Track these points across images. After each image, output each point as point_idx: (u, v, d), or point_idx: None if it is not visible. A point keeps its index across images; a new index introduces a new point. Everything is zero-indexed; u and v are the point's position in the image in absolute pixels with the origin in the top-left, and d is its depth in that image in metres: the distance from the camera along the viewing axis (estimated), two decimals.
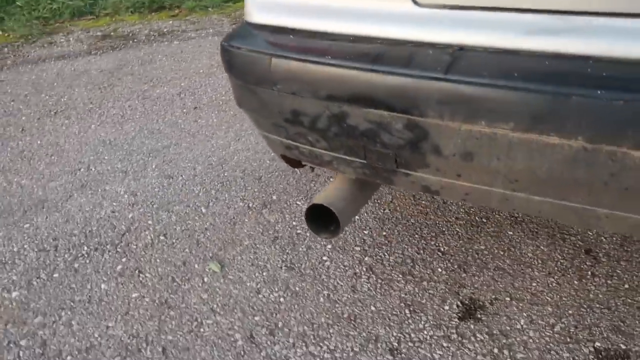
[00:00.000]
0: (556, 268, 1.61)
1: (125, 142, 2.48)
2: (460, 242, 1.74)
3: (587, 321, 1.40)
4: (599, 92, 0.79)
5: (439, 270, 1.62)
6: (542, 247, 1.69)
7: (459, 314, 1.46)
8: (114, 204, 1.98)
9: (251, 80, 1.16)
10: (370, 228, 1.81)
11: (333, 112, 1.07)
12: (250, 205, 1.95)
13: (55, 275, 1.63)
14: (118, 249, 1.73)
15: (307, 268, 1.64)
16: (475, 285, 1.56)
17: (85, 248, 1.74)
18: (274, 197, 1.99)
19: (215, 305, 1.50)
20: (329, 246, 1.73)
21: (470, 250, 1.70)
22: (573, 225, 1.02)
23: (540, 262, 1.64)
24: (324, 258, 1.68)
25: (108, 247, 1.75)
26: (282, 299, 1.52)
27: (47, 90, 3.25)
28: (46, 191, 2.08)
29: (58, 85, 3.33)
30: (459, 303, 1.50)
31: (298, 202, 1.95)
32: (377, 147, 1.08)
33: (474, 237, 1.75)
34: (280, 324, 1.44)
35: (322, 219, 1.32)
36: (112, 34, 4.61)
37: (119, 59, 3.85)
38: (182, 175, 2.17)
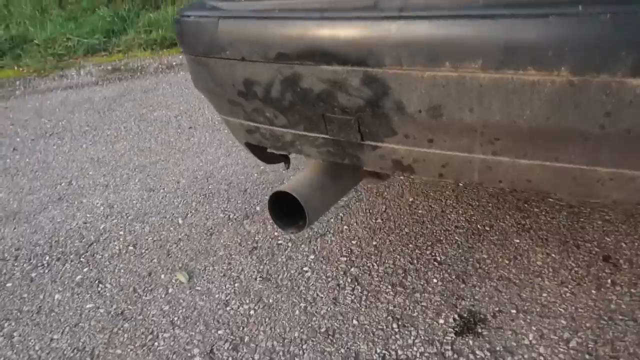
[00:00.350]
0: (570, 277, 1.39)
1: (113, 159, 2.40)
2: (460, 251, 1.54)
3: (608, 335, 1.17)
4: (580, 7, 0.64)
5: (434, 280, 1.42)
6: (553, 255, 1.48)
7: (456, 329, 1.25)
8: (88, 215, 1.86)
9: (201, 49, 1.05)
10: (359, 238, 1.63)
11: (285, 75, 0.93)
12: (231, 216, 1.81)
13: (9, 284, 1.49)
14: (81, 259, 1.59)
15: (285, 279, 1.46)
16: (476, 297, 1.35)
17: (47, 258, 1.61)
18: (258, 209, 1.84)
19: (176, 318, 1.33)
20: (312, 256, 1.55)
21: (471, 259, 1.50)
22: (574, 197, 0.84)
23: (551, 270, 1.42)
24: (305, 269, 1.50)
25: (71, 257, 1.61)
26: (252, 312, 1.34)
27: (48, 115, 3.25)
28: (22, 204, 1.99)
29: (59, 111, 3.33)
30: (456, 316, 1.29)
31: None
32: (337, 113, 0.93)
33: (475, 246, 1.55)
34: (246, 339, 1.25)
35: (289, 212, 1.16)
36: (121, 67, 4.69)
37: (123, 88, 3.87)
38: (164, 189, 2.05)
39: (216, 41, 1.00)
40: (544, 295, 1.34)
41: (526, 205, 1.75)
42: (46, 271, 1.54)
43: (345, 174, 1.21)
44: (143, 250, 1.63)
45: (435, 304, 1.33)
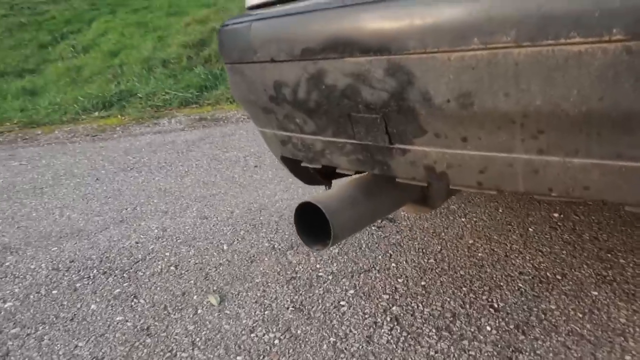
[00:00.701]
0: None
1: (177, 190, 2.49)
2: (522, 299, 1.33)
3: None
4: None
5: (488, 328, 1.22)
6: None
7: None
8: (142, 236, 1.91)
9: (237, 55, 1.05)
10: (406, 276, 1.48)
11: (310, 72, 0.89)
12: (276, 246, 1.74)
13: (54, 292, 1.53)
14: (124, 275, 1.61)
15: (318, 311, 1.34)
16: (537, 352, 1.13)
17: (95, 271, 1.64)
18: None
19: (198, 339, 1.26)
20: (352, 291, 1.43)
21: (535, 309, 1.28)
22: None
23: (638, 330, 1.16)
24: (342, 303, 1.38)
25: (116, 272, 1.63)
26: (276, 341, 1.23)
27: (134, 153, 3.51)
28: (87, 223, 2.09)
29: (145, 151, 3.59)
30: None
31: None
32: (362, 111, 0.86)
33: (542, 295, 1.33)
34: None
35: (317, 229, 1.07)
36: (208, 117, 5.02)
37: (205, 133, 4.11)
38: (217, 217, 2.05)
39: (249, 44, 0.99)
40: (627, 358, 1.09)
41: (609, 255, 1.49)
42: (90, 283, 1.57)
43: (380, 191, 1.11)
44: (183, 271, 1.60)
45: (486, 354, 1.13)
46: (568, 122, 0.65)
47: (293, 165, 1.21)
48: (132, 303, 1.44)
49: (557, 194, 0.74)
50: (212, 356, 1.19)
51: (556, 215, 1.80)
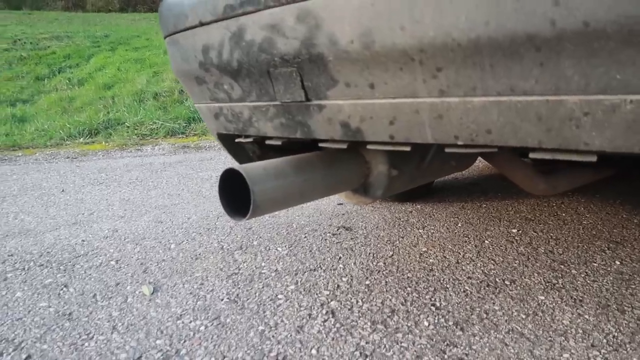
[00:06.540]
0: (605, 341, 1.07)
1: (141, 201, 2.44)
2: (466, 299, 1.27)
3: None
4: None
5: (425, 323, 1.16)
6: (586, 317, 1.17)
7: None
8: (90, 236, 1.85)
9: (172, 23, 1.06)
10: (351, 276, 1.43)
11: (232, 30, 0.89)
12: (225, 246, 1.69)
13: None
14: (60, 267, 1.54)
15: (253, 303, 1.28)
16: (473, 347, 1.07)
17: (31, 264, 1.57)
18: (255, 242, 1.72)
19: (120, 324, 1.19)
20: (292, 287, 1.37)
21: (478, 309, 1.22)
22: (549, 147, 0.62)
23: (580, 331, 1.11)
24: (279, 296, 1.32)
25: (53, 264, 1.56)
26: (202, 328, 1.16)
27: (108, 172, 3.48)
28: (39, 225, 2.03)
29: (120, 170, 3.56)
30: None
31: (279, 248, 1.65)
32: (278, 65, 0.85)
33: (487, 297, 1.28)
34: (182, 351, 1.07)
35: (244, 200, 1.04)
36: (192, 145, 5.04)
37: (184, 158, 4.10)
38: (172, 221, 2.00)
39: (181, 10, 1.00)
40: (565, 355, 1.03)
41: (562, 266, 1.45)
42: (23, 273, 1.50)
43: (312, 169, 1.08)
44: (122, 265, 1.54)
45: (419, 346, 1.07)
46: (462, 55, 0.64)
47: (229, 143, 1.19)
48: (61, 291, 1.37)
49: (463, 142, 0.72)
50: (130, 339, 1.12)
51: (514, 230, 1.77)
